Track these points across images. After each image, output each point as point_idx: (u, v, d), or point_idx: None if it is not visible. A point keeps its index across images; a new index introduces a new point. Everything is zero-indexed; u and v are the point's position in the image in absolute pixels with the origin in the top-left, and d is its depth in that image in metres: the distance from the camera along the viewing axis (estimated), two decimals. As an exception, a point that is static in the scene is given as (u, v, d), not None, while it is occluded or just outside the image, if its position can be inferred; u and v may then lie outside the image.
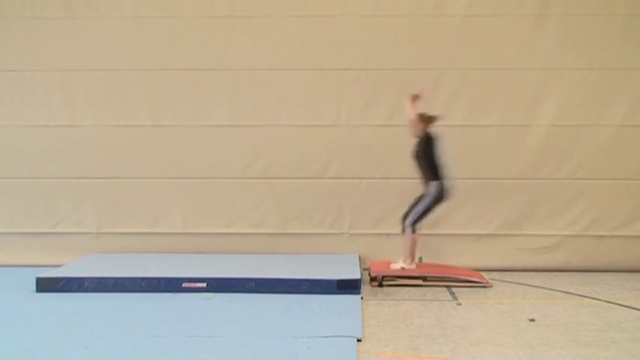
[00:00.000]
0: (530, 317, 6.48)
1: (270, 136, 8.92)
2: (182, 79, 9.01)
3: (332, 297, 7.12)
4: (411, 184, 8.86)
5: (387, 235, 8.92)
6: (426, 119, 7.93)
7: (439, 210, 8.84)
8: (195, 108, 9.00)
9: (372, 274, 8.09)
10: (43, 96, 9.06)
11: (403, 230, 8.01)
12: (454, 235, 8.93)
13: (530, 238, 8.91)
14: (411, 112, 7.96)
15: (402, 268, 7.97)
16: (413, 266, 7.99)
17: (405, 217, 8.05)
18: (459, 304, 7.12)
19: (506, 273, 8.60)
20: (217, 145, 9.01)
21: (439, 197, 7.90)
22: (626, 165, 8.82)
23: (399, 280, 7.99)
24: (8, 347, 5.54)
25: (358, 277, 7.51)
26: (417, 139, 8.00)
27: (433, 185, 7.86)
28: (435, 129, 7.96)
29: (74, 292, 7.40)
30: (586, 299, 7.38)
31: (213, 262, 8.29)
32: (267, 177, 8.97)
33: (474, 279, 7.97)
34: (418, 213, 7.93)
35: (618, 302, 7.18)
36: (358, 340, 5.69)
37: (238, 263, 8.23)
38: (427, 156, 7.89)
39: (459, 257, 8.70)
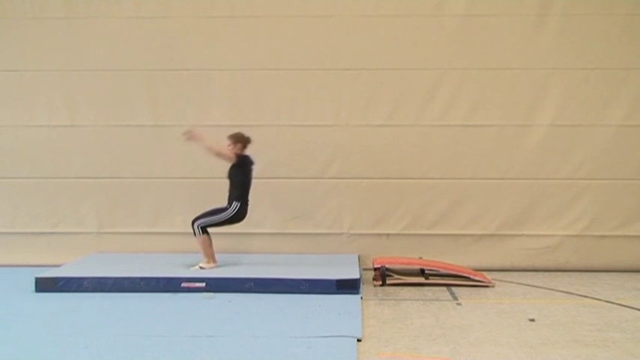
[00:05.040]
0: (530, 317, 6.48)
1: (270, 136, 8.90)
2: (182, 79, 9.00)
3: (331, 297, 7.12)
4: (412, 184, 8.91)
5: (387, 235, 8.94)
6: (242, 141, 7.94)
7: (439, 210, 8.90)
8: (195, 108, 9.00)
9: (375, 266, 8.09)
10: (43, 96, 9.06)
11: (195, 234, 7.94)
12: (454, 236, 8.92)
13: (530, 238, 8.91)
14: (224, 151, 7.87)
15: (201, 268, 7.87)
16: (212, 265, 7.94)
17: (195, 220, 7.93)
18: (459, 304, 7.12)
19: (506, 273, 8.60)
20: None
21: (235, 218, 7.95)
22: (626, 165, 8.82)
23: (401, 277, 7.98)
24: (8, 347, 5.54)
25: (358, 277, 7.51)
26: (232, 162, 7.95)
27: (234, 205, 7.89)
28: (248, 152, 7.99)
29: (73, 292, 7.39)
30: (586, 299, 7.37)
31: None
32: (267, 177, 8.95)
33: (477, 277, 7.98)
34: (209, 222, 7.90)
35: (618, 302, 7.18)
36: (358, 340, 5.69)
37: (238, 263, 8.24)
38: (238, 178, 7.93)
39: (459, 257, 8.68)
